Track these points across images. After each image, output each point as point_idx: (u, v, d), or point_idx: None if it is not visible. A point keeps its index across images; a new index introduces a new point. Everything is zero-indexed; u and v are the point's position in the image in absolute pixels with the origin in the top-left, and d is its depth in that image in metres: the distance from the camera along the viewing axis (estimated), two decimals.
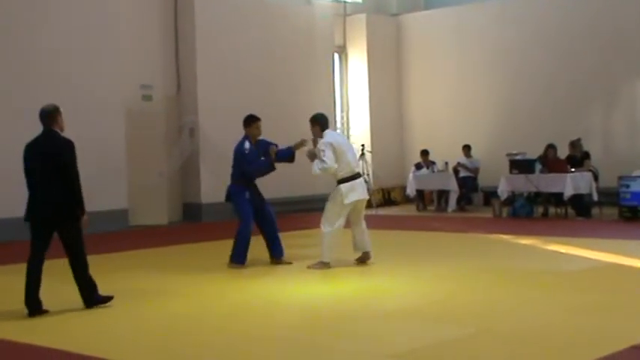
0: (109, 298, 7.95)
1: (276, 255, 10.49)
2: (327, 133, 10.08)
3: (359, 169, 10.59)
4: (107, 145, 15.37)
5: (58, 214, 7.70)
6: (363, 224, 10.19)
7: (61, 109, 8.01)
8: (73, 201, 7.67)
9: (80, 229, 7.82)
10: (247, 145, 10.42)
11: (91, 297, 7.86)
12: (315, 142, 10.07)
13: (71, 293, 7.93)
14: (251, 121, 10.63)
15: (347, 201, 9.81)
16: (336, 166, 9.77)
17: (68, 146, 7.77)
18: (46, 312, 7.62)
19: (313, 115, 10.34)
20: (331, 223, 9.89)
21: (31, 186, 7.81)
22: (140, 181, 16.12)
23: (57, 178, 7.64)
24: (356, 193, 9.92)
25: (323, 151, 9.77)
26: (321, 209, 10.12)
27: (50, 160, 7.67)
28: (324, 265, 9.88)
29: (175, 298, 8.47)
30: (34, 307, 7.58)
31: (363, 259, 10.23)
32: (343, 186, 9.85)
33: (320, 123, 10.14)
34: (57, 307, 7.76)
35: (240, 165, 10.40)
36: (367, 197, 10.24)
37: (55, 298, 7.89)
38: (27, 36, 14.43)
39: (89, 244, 12.44)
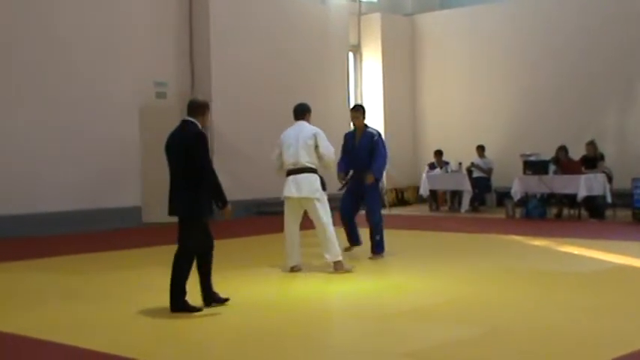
0: (225, 300, 7.66)
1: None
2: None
3: (301, 164, 9.53)
4: (121, 142, 15.43)
5: (180, 210, 7.51)
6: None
7: (209, 107, 7.86)
8: (199, 197, 7.44)
9: (197, 229, 7.52)
10: None
11: (209, 298, 7.61)
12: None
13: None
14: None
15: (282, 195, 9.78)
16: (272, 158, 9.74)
17: (197, 138, 7.51)
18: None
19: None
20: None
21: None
22: (154, 179, 16.14)
23: (186, 172, 7.45)
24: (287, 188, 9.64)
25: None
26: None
27: (179, 152, 7.50)
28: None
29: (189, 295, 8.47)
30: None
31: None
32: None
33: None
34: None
35: (380, 155, 10.54)
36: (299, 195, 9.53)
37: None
38: (41, 33, 14.48)
39: (102, 241, 12.54)
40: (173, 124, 16.76)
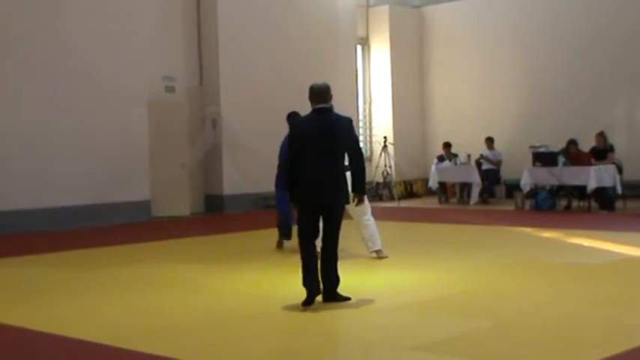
0: (347, 298, 7.49)
1: None
2: None
3: None
4: (130, 136, 15.44)
5: (342, 199, 7.46)
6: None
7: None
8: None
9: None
10: None
11: (332, 292, 7.47)
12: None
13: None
14: None
15: None
16: None
17: (352, 123, 7.49)
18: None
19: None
20: None
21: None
22: (163, 173, 16.18)
23: (339, 159, 7.39)
24: None
25: None
26: None
27: (332, 140, 7.31)
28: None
29: (195, 289, 8.49)
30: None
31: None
32: None
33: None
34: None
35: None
36: None
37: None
38: (49, 27, 14.50)
39: (111, 235, 12.53)
40: (182, 118, 17.03)
